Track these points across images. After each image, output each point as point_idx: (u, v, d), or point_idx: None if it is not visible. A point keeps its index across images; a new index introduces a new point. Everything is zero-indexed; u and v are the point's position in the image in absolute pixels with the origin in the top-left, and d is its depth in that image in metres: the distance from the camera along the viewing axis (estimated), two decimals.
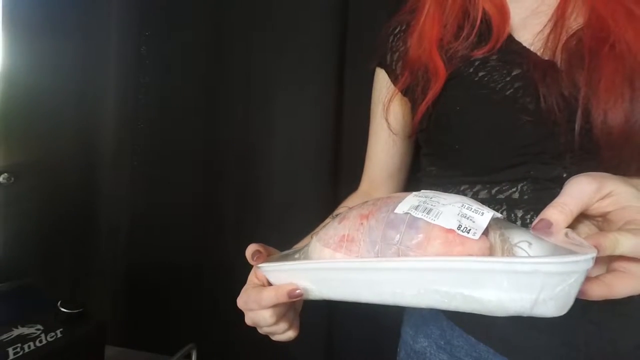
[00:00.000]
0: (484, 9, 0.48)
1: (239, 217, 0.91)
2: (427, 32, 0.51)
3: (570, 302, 0.28)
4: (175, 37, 0.91)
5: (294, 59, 0.84)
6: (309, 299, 0.39)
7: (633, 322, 0.40)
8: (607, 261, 0.32)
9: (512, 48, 0.46)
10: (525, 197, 0.44)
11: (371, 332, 0.84)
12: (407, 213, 0.33)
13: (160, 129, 0.93)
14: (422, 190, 0.37)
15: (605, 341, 0.41)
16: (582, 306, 0.30)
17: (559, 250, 0.30)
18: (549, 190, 0.42)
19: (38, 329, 0.61)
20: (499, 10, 0.47)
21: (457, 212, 0.32)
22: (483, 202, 0.36)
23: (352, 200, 0.62)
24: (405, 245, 0.32)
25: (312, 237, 0.41)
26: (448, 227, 0.31)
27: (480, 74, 0.46)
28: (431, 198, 0.34)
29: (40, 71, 0.93)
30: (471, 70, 0.47)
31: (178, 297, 0.95)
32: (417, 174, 0.59)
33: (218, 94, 0.90)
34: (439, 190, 0.37)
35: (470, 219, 0.32)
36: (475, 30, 0.48)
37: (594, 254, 0.27)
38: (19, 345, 0.57)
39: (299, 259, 0.42)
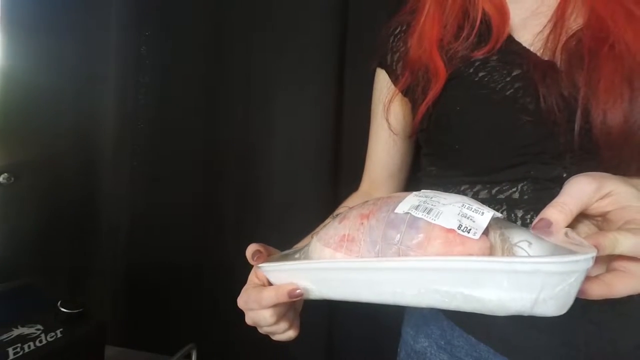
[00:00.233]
0: (483, 9, 0.48)
1: (239, 217, 0.91)
2: (427, 32, 0.51)
3: (570, 302, 0.28)
4: (175, 37, 0.91)
5: (294, 59, 0.85)
6: (309, 298, 0.39)
7: (633, 322, 0.40)
8: (606, 261, 0.32)
9: (512, 48, 0.46)
10: (525, 197, 0.44)
11: (371, 332, 0.84)
12: (407, 213, 0.33)
13: (160, 129, 0.93)
14: (423, 190, 0.37)
15: (605, 341, 0.41)
16: (582, 306, 0.30)
17: (559, 250, 0.30)
18: (549, 190, 0.42)
19: (38, 329, 0.61)
20: (499, 10, 0.47)
21: (457, 211, 0.32)
22: (483, 202, 0.36)
23: (353, 200, 0.62)
24: (406, 245, 0.32)
25: (312, 237, 0.41)
26: (448, 226, 0.31)
27: (481, 74, 0.46)
28: (431, 198, 0.34)
29: (40, 71, 0.93)
30: (471, 70, 0.47)
31: (178, 297, 0.95)
32: (418, 174, 0.59)
33: (218, 94, 0.90)
34: (439, 190, 0.37)
35: (471, 219, 0.32)
36: (475, 31, 0.48)
37: (594, 254, 0.27)
38: (19, 345, 0.57)
39: (299, 258, 0.42)
